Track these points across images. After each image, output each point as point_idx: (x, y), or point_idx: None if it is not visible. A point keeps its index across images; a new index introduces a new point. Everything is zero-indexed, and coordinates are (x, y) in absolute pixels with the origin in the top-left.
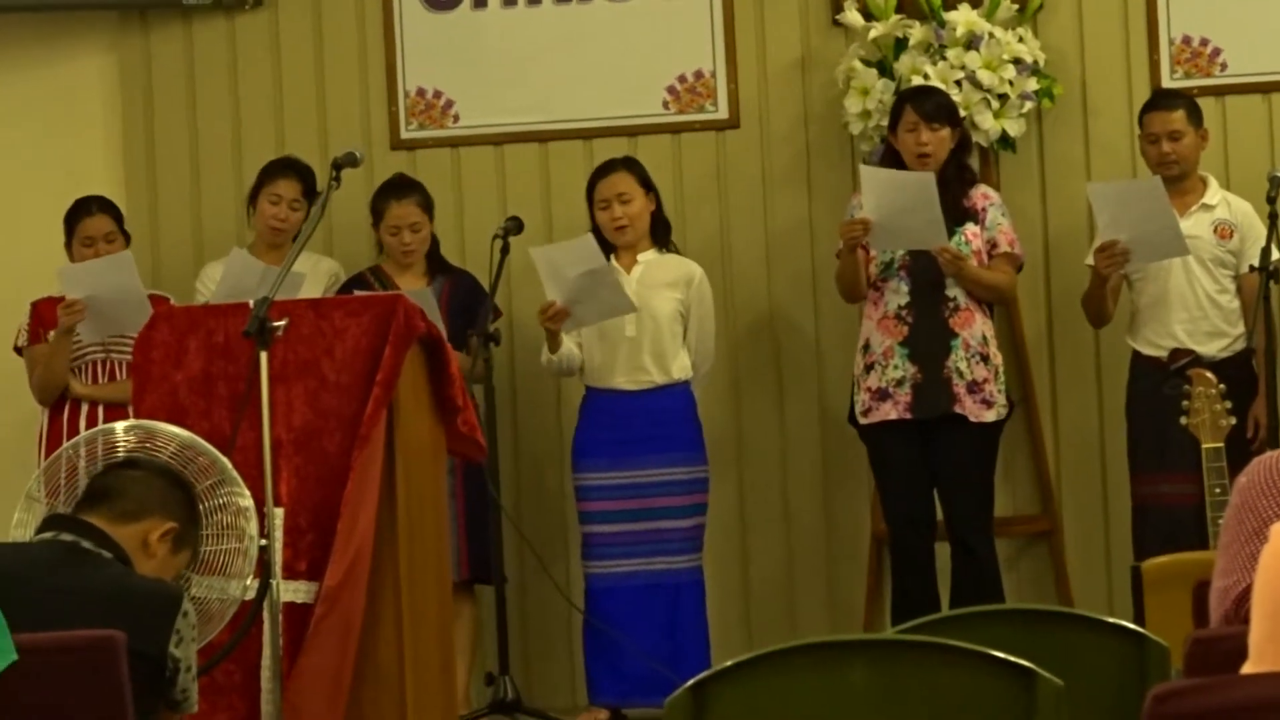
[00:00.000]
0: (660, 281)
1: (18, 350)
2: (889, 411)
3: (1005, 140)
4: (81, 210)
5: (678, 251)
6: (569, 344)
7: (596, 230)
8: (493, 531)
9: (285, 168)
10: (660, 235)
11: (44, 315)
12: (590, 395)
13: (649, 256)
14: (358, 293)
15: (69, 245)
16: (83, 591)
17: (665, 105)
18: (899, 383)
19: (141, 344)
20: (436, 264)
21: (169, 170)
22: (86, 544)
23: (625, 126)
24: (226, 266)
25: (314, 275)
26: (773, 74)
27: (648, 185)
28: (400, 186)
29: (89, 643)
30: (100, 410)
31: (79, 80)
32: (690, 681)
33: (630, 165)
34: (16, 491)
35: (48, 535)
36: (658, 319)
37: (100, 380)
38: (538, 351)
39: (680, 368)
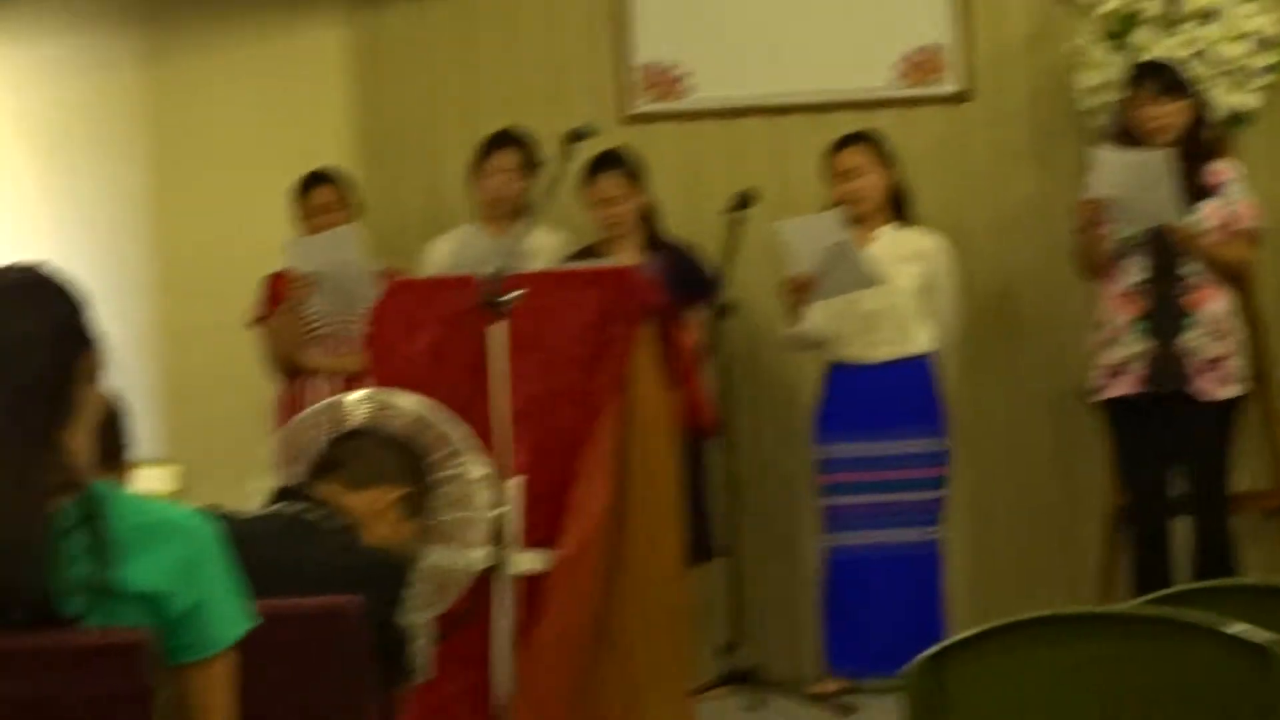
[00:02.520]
0: (900, 255)
1: (252, 323)
2: (1123, 387)
3: (1240, 115)
4: (309, 183)
5: (919, 224)
6: (812, 317)
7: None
8: (726, 504)
9: (505, 139)
10: (899, 209)
11: (277, 289)
12: (832, 368)
13: (888, 230)
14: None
15: (299, 219)
16: (312, 562)
17: (897, 79)
18: (1134, 358)
19: (376, 315)
20: (652, 238)
21: (403, 143)
22: (315, 514)
23: (857, 100)
24: (457, 241)
25: (541, 249)
26: (1005, 48)
27: (885, 159)
28: (604, 159)
29: (329, 610)
30: (334, 381)
31: (314, 54)
32: (927, 652)
33: (866, 139)
34: (254, 460)
35: (277, 507)
36: (898, 292)
37: (335, 352)
38: (771, 324)
39: (921, 341)
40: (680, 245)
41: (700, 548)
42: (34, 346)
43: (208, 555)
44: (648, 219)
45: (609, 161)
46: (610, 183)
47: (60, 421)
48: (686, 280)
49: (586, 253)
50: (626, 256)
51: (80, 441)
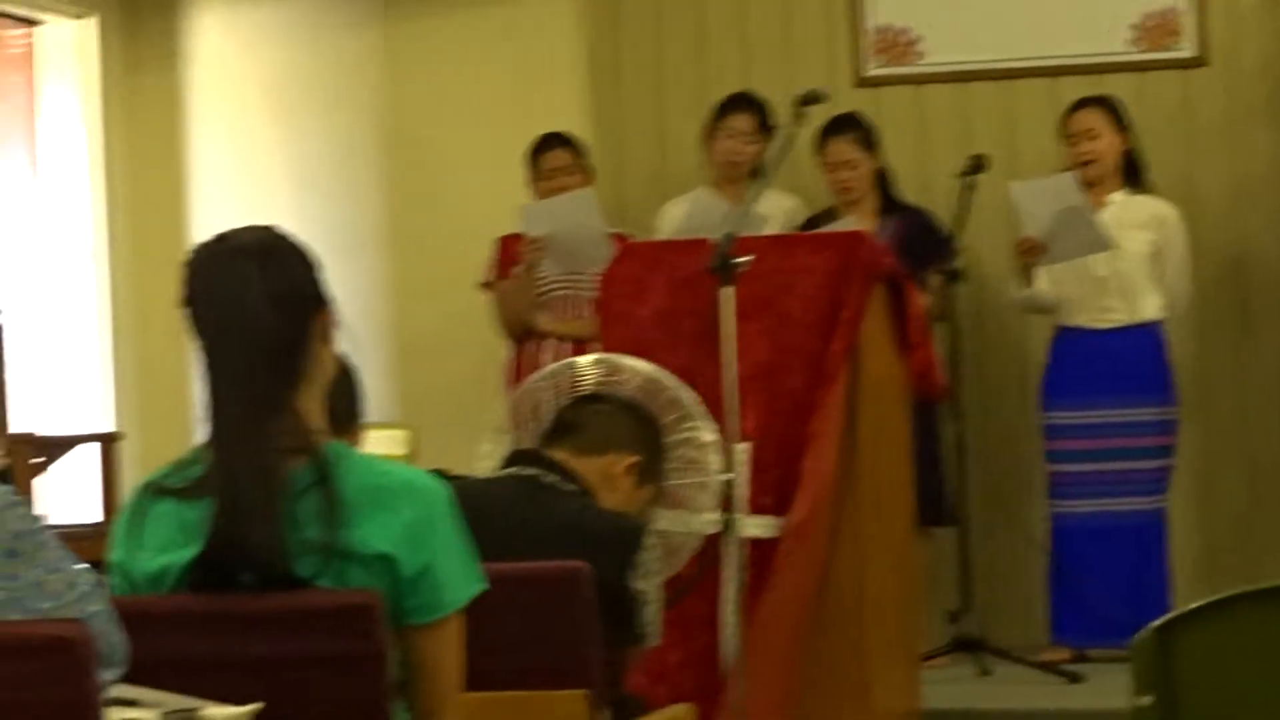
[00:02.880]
0: (1132, 221)
1: (485, 285)
2: None
3: None
4: (543, 145)
5: (1151, 192)
6: (1041, 281)
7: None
8: (953, 470)
9: (740, 102)
10: (1133, 175)
11: (510, 251)
12: (1060, 334)
13: (1120, 196)
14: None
15: (531, 181)
16: (545, 525)
17: (1131, 43)
18: None
19: (607, 279)
20: (887, 202)
21: (635, 106)
22: (550, 478)
23: (1090, 65)
24: (691, 204)
25: (773, 213)
26: (1242, 10)
27: (1120, 124)
28: (837, 123)
29: (556, 574)
30: (565, 345)
31: (548, 16)
32: (1155, 623)
33: (1103, 103)
34: (483, 423)
35: (512, 470)
36: (1129, 258)
37: (565, 316)
38: (1001, 290)
39: (1151, 308)
40: (916, 209)
41: (934, 510)
42: (268, 307)
43: (439, 517)
44: (883, 183)
45: (844, 125)
46: (845, 146)
47: (294, 383)
48: (922, 244)
49: (822, 217)
50: (861, 220)
51: (313, 403)
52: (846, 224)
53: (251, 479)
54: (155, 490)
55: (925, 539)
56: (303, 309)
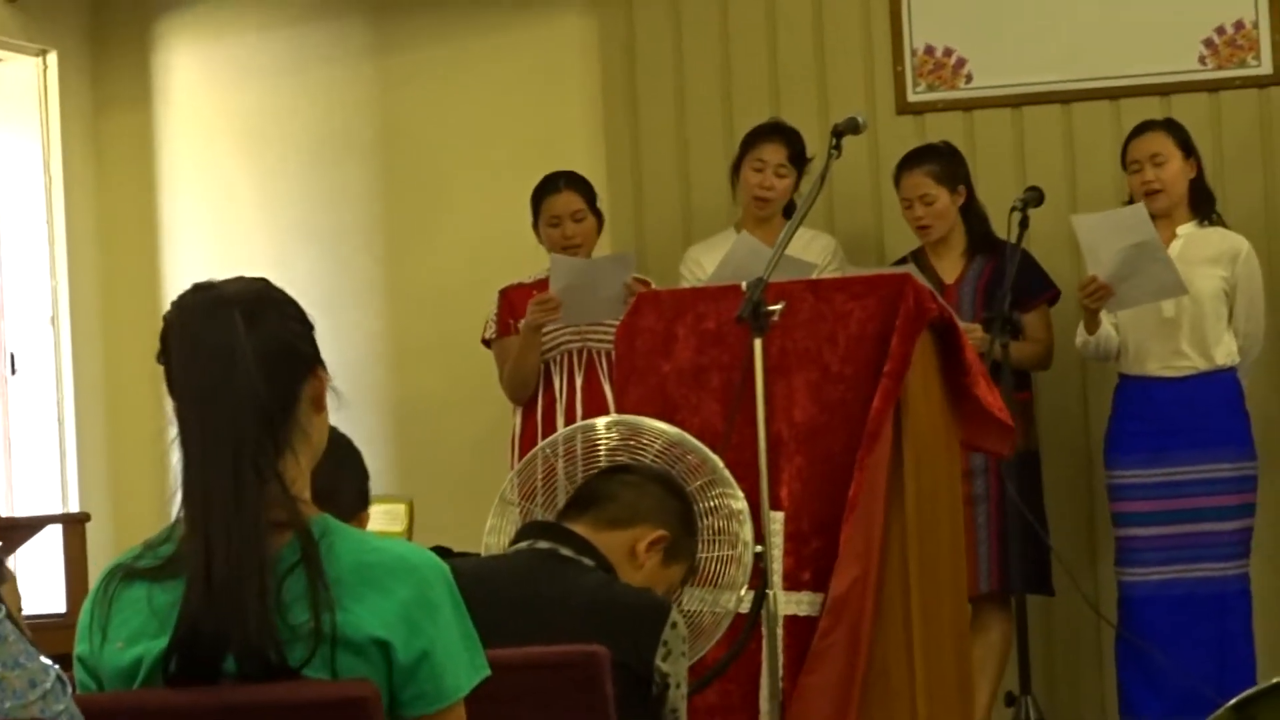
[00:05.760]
0: (1201, 257)
1: (485, 343)
2: None
3: None
4: (548, 187)
5: (1221, 223)
6: (1107, 325)
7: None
8: (1014, 537)
9: (770, 131)
10: (1201, 206)
11: (515, 303)
12: (1124, 383)
13: (1188, 229)
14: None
15: (535, 225)
16: (561, 601)
17: (1201, 60)
18: None
19: (625, 331)
20: (979, 240)
21: (653, 142)
22: (566, 551)
23: (1157, 85)
24: (717, 247)
25: (809, 254)
26: None
27: (1187, 149)
28: (913, 155)
29: (569, 658)
30: (579, 405)
31: (555, 44)
32: (1234, 700)
33: (1168, 127)
34: (488, 494)
35: (524, 544)
36: (1199, 299)
37: (577, 372)
38: (1062, 332)
39: (1224, 353)
40: (1012, 247)
41: (1024, 577)
42: (253, 369)
43: (438, 598)
44: (970, 219)
45: (920, 157)
46: (919, 179)
47: (280, 449)
48: (1019, 286)
49: (905, 258)
50: (955, 261)
51: (300, 473)
52: (939, 267)
53: (231, 554)
54: (124, 574)
55: (1005, 611)
56: (293, 369)
